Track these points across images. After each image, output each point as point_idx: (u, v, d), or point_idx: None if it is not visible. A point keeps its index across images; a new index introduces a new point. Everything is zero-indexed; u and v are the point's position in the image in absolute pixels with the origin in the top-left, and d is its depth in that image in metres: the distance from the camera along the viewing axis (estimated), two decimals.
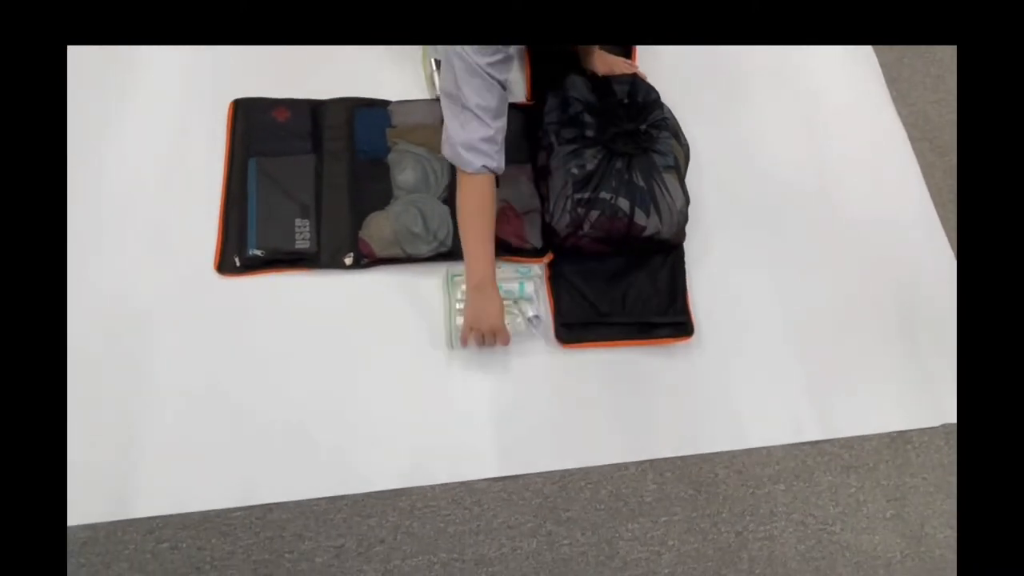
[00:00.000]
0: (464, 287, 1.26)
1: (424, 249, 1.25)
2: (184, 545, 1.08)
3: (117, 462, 1.10)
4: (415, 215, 1.24)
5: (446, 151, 1.11)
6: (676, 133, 1.34)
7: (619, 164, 1.26)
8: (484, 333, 1.14)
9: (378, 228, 1.25)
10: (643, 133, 1.29)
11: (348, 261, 1.25)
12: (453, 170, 1.33)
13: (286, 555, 1.09)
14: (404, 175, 1.30)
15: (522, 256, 1.32)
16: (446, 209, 1.29)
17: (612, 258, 1.34)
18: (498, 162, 1.10)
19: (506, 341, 1.17)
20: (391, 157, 1.32)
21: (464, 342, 1.18)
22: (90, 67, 1.37)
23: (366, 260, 1.26)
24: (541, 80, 1.50)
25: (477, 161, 1.07)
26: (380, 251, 1.25)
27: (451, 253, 1.28)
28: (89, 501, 1.08)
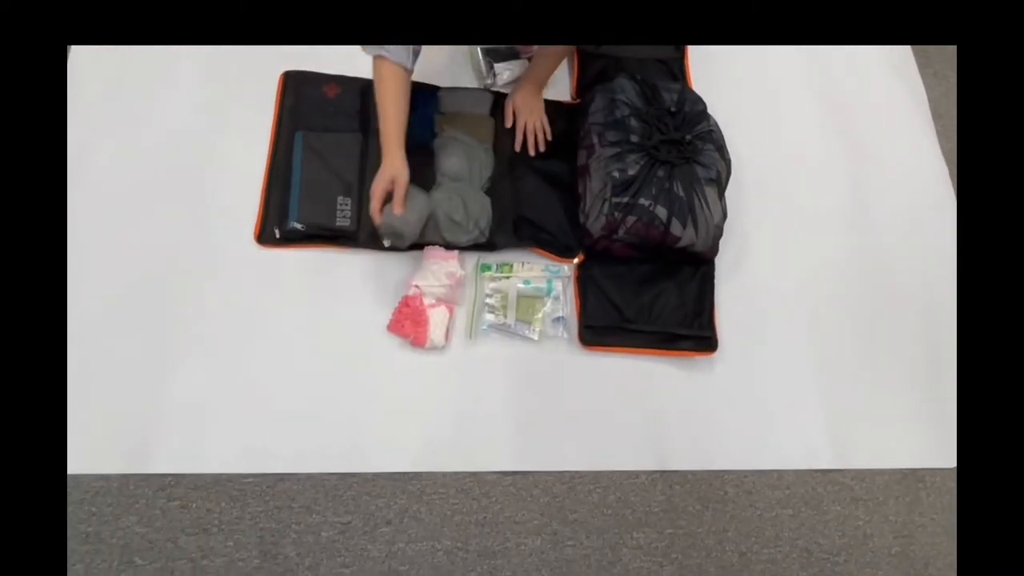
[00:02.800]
0: (492, 284, 1.21)
1: (463, 238, 1.19)
2: (194, 505, 1.04)
3: (137, 417, 1.06)
4: (458, 203, 1.18)
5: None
6: (720, 147, 1.26)
7: (661, 172, 1.19)
8: (382, 186, 1.09)
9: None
10: (688, 143, 1.22)
11: (387, 243, 1.19)
12: (496, 161, 1.28)
13: (293, 526, 1.04)
14: (449, 162, 1.23)
15: (554, 253, 1.26)
16: (487, 200, 1.23)
17: (641, 265, 1.27)
18: (399, 58, 1.09)
19: (402, 192, 1.09)
20: (437, 142, 1.26)
21: (372, 201, 1.09)
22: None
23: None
24: (587, 80, 1.43)
25: (372, 50, 1.10)
26: (420, 236, 1.19)
27: (489, 244, 1.22)
28: (105, 451, 1.04)
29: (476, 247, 1.22)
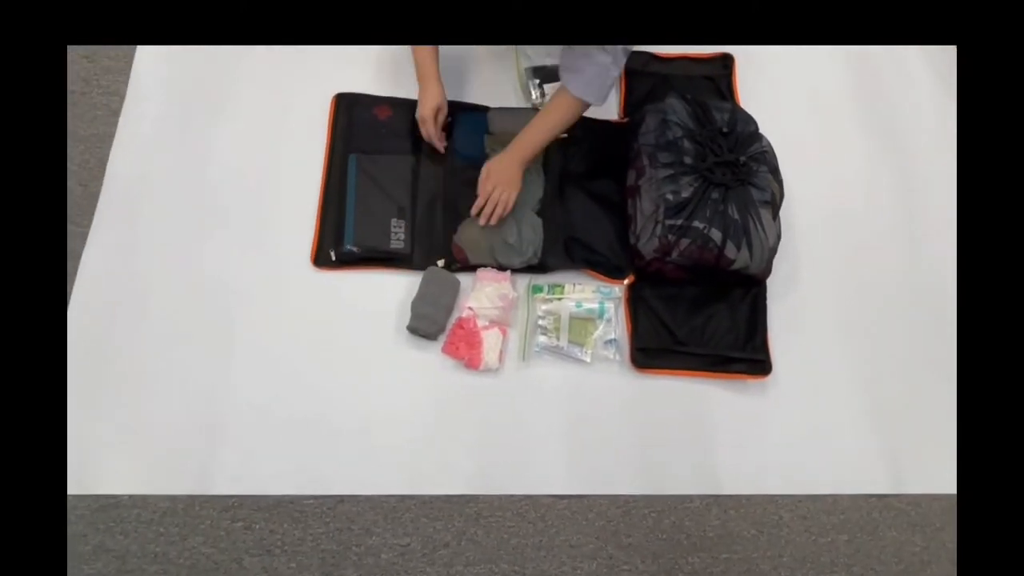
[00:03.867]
0: (544, 306, 1.21)
1: (516, 261, 1.19)
2: (257, 526, 1.05)
3: (201, 439, 1.08)
4: (511, 226, 1.18)
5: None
6: (774, 168, 1.24)
7: (715, 194, 1.18)
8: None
9: (473, 236, 1.19)
10: (742, 165, 1.20)
11: (440, 263, 1.20)
12: (546, 182, 1.28)
13: (353, 548, 1.05)
14: None
15: (604, 275, 1.25)
16: (539, 221, 1.23)
17: (692, 286, 1.26)
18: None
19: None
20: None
21: (426, 126, 1.22)
22: (195, 57, 1.34)
23: (457, 265, 1.20)
24: (635, 99, 1.42)
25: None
26: (473, 259, 1.19)
27: (540, 265, 1.22)
28: (171, 473, 1.06)
29: (528, 268, 1.23)
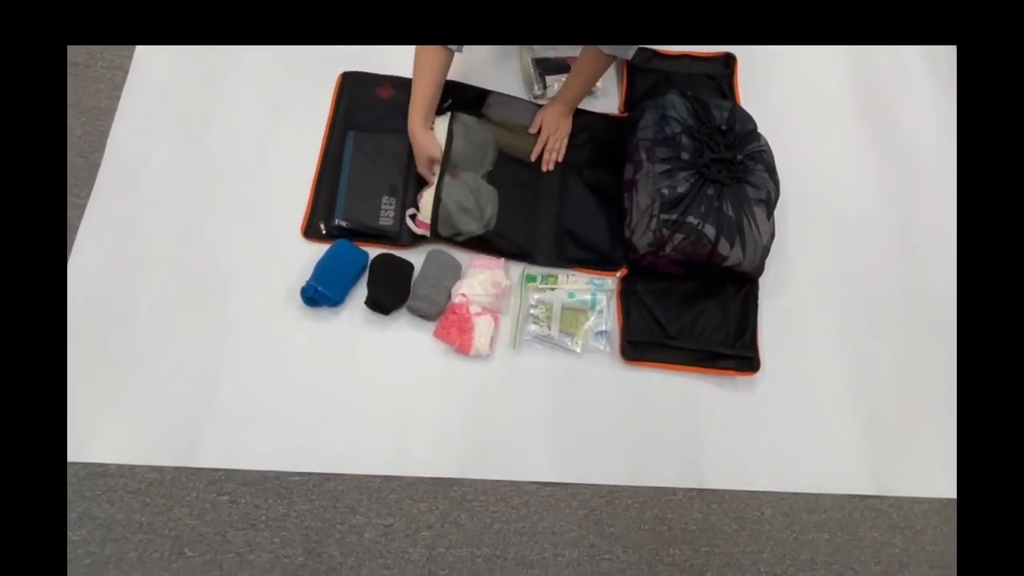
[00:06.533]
0: (537, 295, 1.22)
1: (474, 226, 1.20)
2: (243, 500, 1.06)
3: (190, 412, 1.08)
4: (466, 192, 1.19)
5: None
6: (771, 167, 1.25)
7: (711, 191, 1.18)
8: (426, 164, 1.21)
9: (430, 204, 1.19)
10: (739, 163, 1.21)
11: (414, 215, 1.22)
12: (499, 152, 1.29)
13: (337, 526, 1.06)
14: (461, 144, 1.23)
15: (597, 269, 1.26)
16: (492, 189, 1.24)
17: (685, 281, 1.26)
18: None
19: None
20: (455, 126, 1.25)
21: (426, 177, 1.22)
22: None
23: (422, 232, 1.20)
24: (636, 94, 1.43)
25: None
26: (438, 228, 1.19)
27: (498, 234, 1.22)
28: (160, 445, 1.07)
29: (521, 258, 1.23)
